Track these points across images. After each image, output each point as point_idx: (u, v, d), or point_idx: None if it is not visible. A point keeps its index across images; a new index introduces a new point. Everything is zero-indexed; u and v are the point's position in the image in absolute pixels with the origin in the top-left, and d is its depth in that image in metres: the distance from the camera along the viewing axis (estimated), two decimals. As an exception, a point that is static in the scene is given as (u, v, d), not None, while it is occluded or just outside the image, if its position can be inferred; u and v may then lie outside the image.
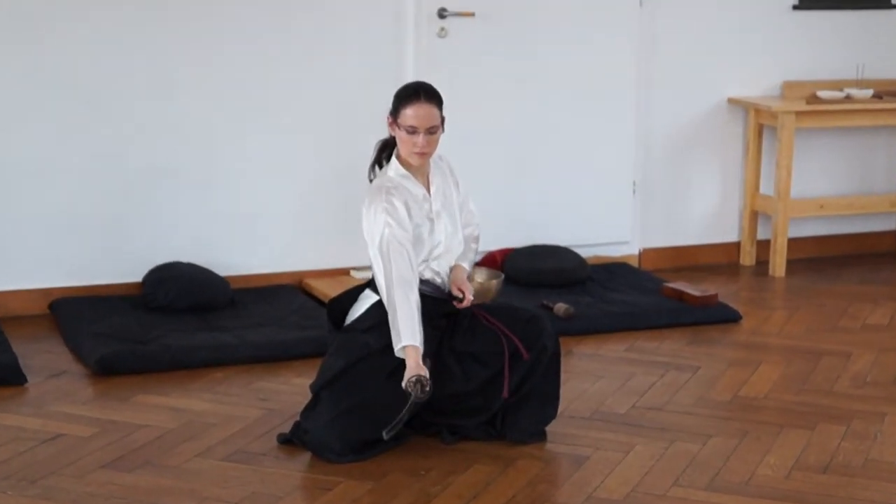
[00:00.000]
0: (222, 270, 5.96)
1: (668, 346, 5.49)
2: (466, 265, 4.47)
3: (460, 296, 4.34)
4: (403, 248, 4.16)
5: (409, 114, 4.22)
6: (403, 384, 4.05)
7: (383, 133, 4.41)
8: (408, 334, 4.09)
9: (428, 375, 4.06)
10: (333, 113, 6.12)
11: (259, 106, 6.00)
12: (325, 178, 6.15)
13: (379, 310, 4.24)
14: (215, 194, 5.99)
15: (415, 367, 4.06)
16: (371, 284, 4.35)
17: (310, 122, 6.10)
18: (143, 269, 5.83)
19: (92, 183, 5.78)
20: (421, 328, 4.12)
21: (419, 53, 6.17)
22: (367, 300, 4.33)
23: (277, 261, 6.16)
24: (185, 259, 5.92)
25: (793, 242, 6.98)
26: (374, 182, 4.33)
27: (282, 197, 6.11)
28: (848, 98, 6.78)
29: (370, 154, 4.44)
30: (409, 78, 5.92)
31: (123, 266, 5.86)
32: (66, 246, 5.79)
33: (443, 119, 4.29)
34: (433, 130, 4.25)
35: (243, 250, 6.08)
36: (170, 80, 5.84)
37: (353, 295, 4.42)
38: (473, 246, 4.55)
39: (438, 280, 4.37)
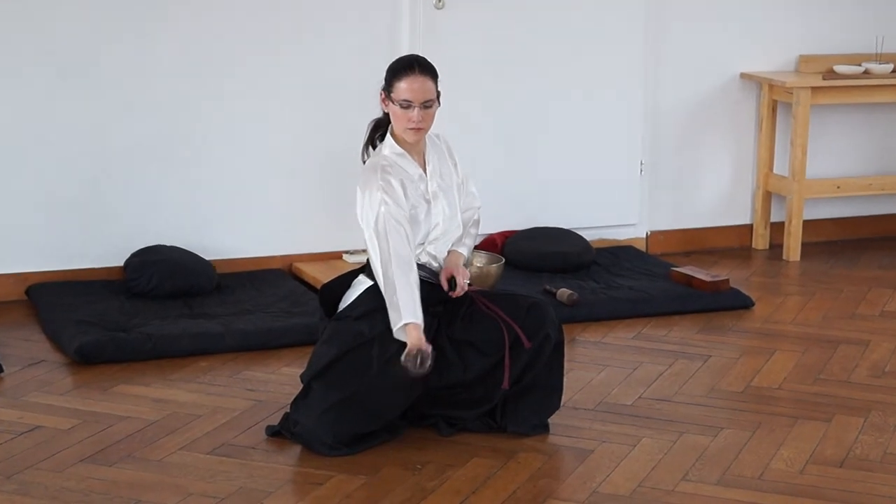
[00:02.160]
0: (208, 254, 5.96)
1: (676, 334, 5.49)
2: (464, 251, 4.46)
3: (452, 284, 4.32)
4: (401, 227, 4.16)
5: (403, 87, 4.21)
6: (402, 358, 4.04)
7: (376, 110, 4.40)
8: (409, 311, 4.09)
9: (430, 351, 4.05)
10: (324, 89, 6.10)
11: (246, 81, 5.99)
12: (316, 157, 6.13)
13: (373, 296, 4.23)
14: (200, 174, 5.98)
15: (416, 342, 4.06)
16: (365, 270, 4.35)
17: (300, 98, 6.08)
18: (125, 253, 5.82)
19: (71, 162, 5.77)
20: (421, 308, 4.12)
21: (415, 26, 6.15)
22: (360, 286, 4.33)
23: (266, 244, 6.15)
24: (168, 242, 5.92)
25: (808, 225, 6.97)
26: (369, 161, 4.33)
27: (271, 177, 6.10)
28: (867, 73, 6.76)
29: (362, 130, 4.43)
30: (405, 52, 5.90)
31: (104, 250, 5.86)
32: (43, 228, 5.78)
33: (438, 93, 4.28)
34: (429, 105, 4.24)
35: (230, 233, 6.07)
36: (153, 55, 5.82)
37: (346, 281, 4.42)
38: (473, 231, 4.54)
39: (435, 265, 4.36)
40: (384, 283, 4.16)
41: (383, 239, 4.15)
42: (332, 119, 6.11)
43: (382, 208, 4.16)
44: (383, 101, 4.30)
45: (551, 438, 4.34)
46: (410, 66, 4.25)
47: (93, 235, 5.84)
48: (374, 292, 4.23)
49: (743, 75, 6.86)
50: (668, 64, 6.71)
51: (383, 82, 4.30)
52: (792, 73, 6.90)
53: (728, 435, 4.40)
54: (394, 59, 4.35)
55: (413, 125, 4.23)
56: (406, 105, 4.22)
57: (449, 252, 4.41)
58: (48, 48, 5.66)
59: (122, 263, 5.82)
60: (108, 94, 5.78)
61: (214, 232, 6.03)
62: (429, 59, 4.31)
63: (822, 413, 4.61)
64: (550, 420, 4.41)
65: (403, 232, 4.16)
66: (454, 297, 4.33)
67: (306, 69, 6.07)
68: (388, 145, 4.31)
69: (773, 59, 6.93)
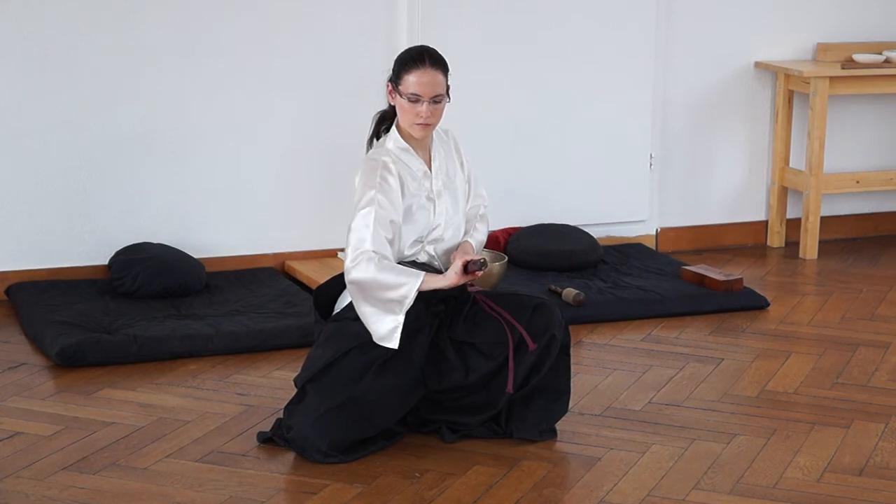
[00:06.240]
0: (196, 252, 5.96)
1: (688, 336, 5.50)
2: (473, 242, 4.43)
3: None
4: (385, 230, 4.15)
5: (413, 80, 4.21)
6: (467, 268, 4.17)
7: (373, 97, 4.41)
8: (410, 277, 4.12)
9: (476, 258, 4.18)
10: (318, 75, 6.10)
11: (236, 69, 5.99)
12: (309, 150, 6.14)
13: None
14: (189, 168, 5.99)
15: (447, 277, 4.16)
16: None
17: (292, 85, 6.08)
18: (110, 251, 5.83)
19: (53, 155, 5.77)
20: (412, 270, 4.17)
21: (413, 9, 6.15)
22: (356, 286, 4.34)
23: (257, 241, 6.16)
24: (155, 239, 5.92)
25: (826, 221, 6.98)
26: (370, 153, 4.33)
27: (262, 170, 6.10)
28: (888, 62, 6.77)
29: (359, 121, 4.44)
30: (402, 38, 5.91)
31: (87, 247, 5.86)
32: (24, 225, 5.78)
33: (448, 88, 4.28)
34: (438, 99, 4.24)
35: (219, 230, 6.07)
36: (138, 41, 5.82)
37: (341, 281, 4.42)
38: (480, 226, 4.51)
39: (436, 263, 4.37)
40: (364, 287, 4.15)
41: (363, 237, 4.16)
42: (327, 108, 6.11)
43: (374, 206, 4.16)
44: (390, 93, 4.30)
45: (556, 445, 4.35)
46: (420, 58, 4.24)
47: (76, 232, 5.84)
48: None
49: (758, 64, 6.86)
50: (678, 52, 6.71)
51: (391, 73, 4.30)
52: (809, 61, 6.91)
53: (741, 442, 4.40)
54: (403, 50, 4.35)
55: (421, 120, 4.23)
56: (414, 99, 4.22)
57: (460, 244, 4.41)
58: (26, 36, 5.66)
59: (106, 262, 5.83)
60: (91, 84, 5.78)
61: (203, 229, 6.04)
62: (439, 52, 4.30)
63: (841, 419, 4.62)
64: (555, 426, 4.41)
65: (386, 243, 4.17)
66: (471, 277, 4.28)
67: (299, 55, 6.06)
68: (393, 139, 4.31)
69: (789, 48, 6.93)
